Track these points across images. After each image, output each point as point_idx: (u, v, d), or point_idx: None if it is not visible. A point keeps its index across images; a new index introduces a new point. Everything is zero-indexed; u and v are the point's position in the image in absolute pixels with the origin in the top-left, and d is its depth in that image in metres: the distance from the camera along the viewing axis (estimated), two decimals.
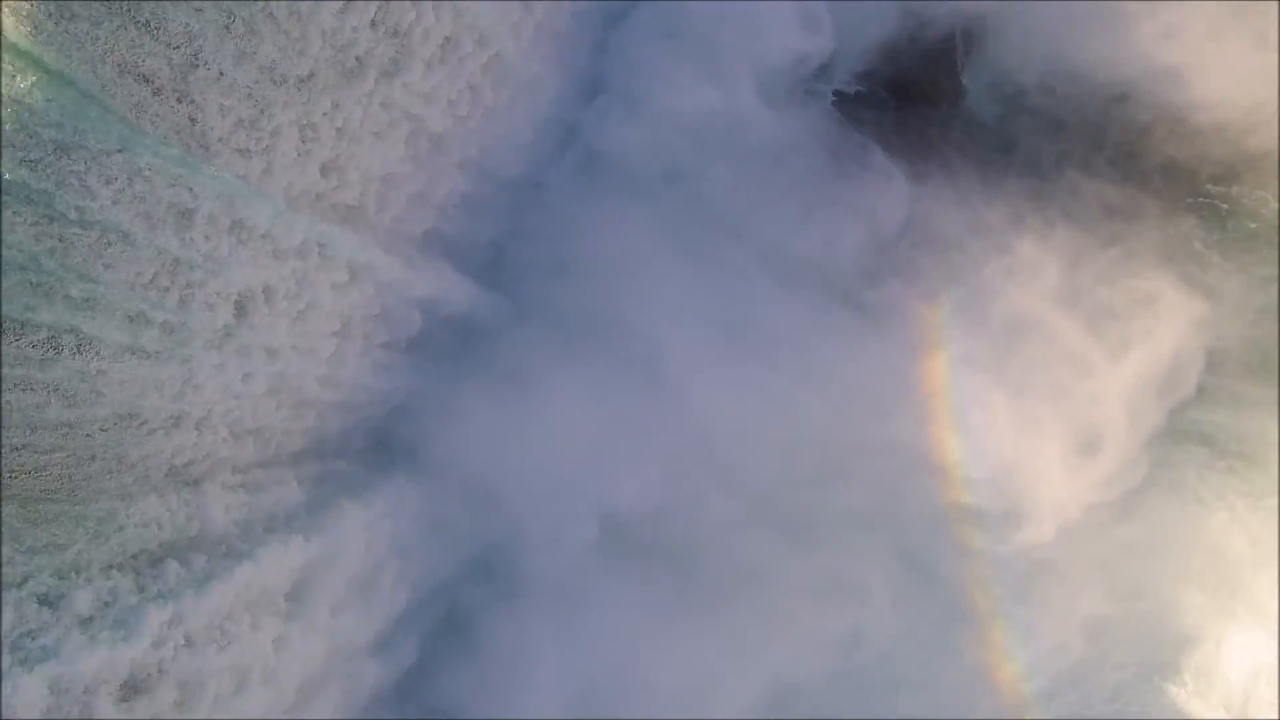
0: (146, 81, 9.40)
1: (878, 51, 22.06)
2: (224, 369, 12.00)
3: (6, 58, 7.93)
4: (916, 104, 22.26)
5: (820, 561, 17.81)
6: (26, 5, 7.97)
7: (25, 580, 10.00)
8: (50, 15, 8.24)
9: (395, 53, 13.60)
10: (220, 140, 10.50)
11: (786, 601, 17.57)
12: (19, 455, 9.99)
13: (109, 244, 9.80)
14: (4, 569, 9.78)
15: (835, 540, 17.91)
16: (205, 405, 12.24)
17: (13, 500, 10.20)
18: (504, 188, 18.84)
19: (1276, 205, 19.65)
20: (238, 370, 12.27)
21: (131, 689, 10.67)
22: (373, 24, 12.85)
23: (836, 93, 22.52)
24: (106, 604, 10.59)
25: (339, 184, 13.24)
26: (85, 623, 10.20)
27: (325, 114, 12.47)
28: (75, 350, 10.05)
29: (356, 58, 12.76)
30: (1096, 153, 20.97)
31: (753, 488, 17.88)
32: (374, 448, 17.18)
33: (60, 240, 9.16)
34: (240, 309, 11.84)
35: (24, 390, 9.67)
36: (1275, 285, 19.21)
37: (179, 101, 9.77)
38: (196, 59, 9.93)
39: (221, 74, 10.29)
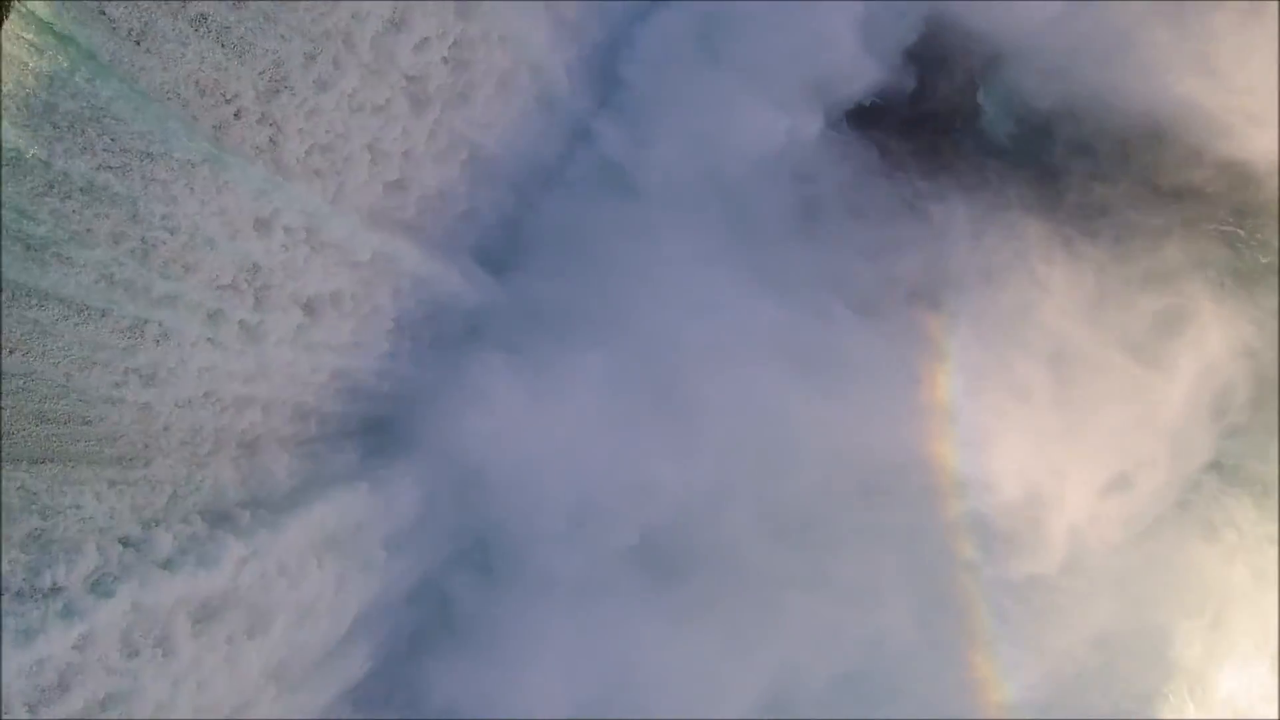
0: (229, 102, 8.38)
1: (893, 63, 18.09)
2: (294, 363, 11.10)
3: (85, 66, 6.90)
4: (930, 119, 18.46)
5: (828, 569, 15.02)
6: (107, 18, 6.91)
7: (107, 529, 9.15)
8: (132, 33, 7.19)
9: (462, 86, 12.61)
10: (298, 161, 9.48)
11: (795, 606, 14.82)
12: (92, 427, 9.05)
13: (193, 248, 8.86)
14: (86, 521, 8.95)
15: (843, 549, 15.14)
16: (274, 390, 11.31)
17: (93, 463, 9.28)
18: (541, 204, 17.13)
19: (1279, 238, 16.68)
20: (306, 364, 11.36)
21: (207, 613, 9.94)
22: (444, 60, 11.94)
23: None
24: (184, 549, 9.77)
25: (401, 202, 12.21)
26: (166, 562, 9.40)
27: (395, 139, 11.47)
28: (157, 340, 9.15)
29: (427, 90, 11.84)
30: (1116, 175, 17.35)
31: (770, 495, 14.93)
32: (411, 428, 15.38)
33: (142, 241, 8.18)
34: (310, 310, 10.93)
35: (103, 369, 8.71)
36: (1276, 317, 16.08)
37: (259, 123, 8.77)
38: (281, 84, 8.95)
39: (303, 100, 9.30)
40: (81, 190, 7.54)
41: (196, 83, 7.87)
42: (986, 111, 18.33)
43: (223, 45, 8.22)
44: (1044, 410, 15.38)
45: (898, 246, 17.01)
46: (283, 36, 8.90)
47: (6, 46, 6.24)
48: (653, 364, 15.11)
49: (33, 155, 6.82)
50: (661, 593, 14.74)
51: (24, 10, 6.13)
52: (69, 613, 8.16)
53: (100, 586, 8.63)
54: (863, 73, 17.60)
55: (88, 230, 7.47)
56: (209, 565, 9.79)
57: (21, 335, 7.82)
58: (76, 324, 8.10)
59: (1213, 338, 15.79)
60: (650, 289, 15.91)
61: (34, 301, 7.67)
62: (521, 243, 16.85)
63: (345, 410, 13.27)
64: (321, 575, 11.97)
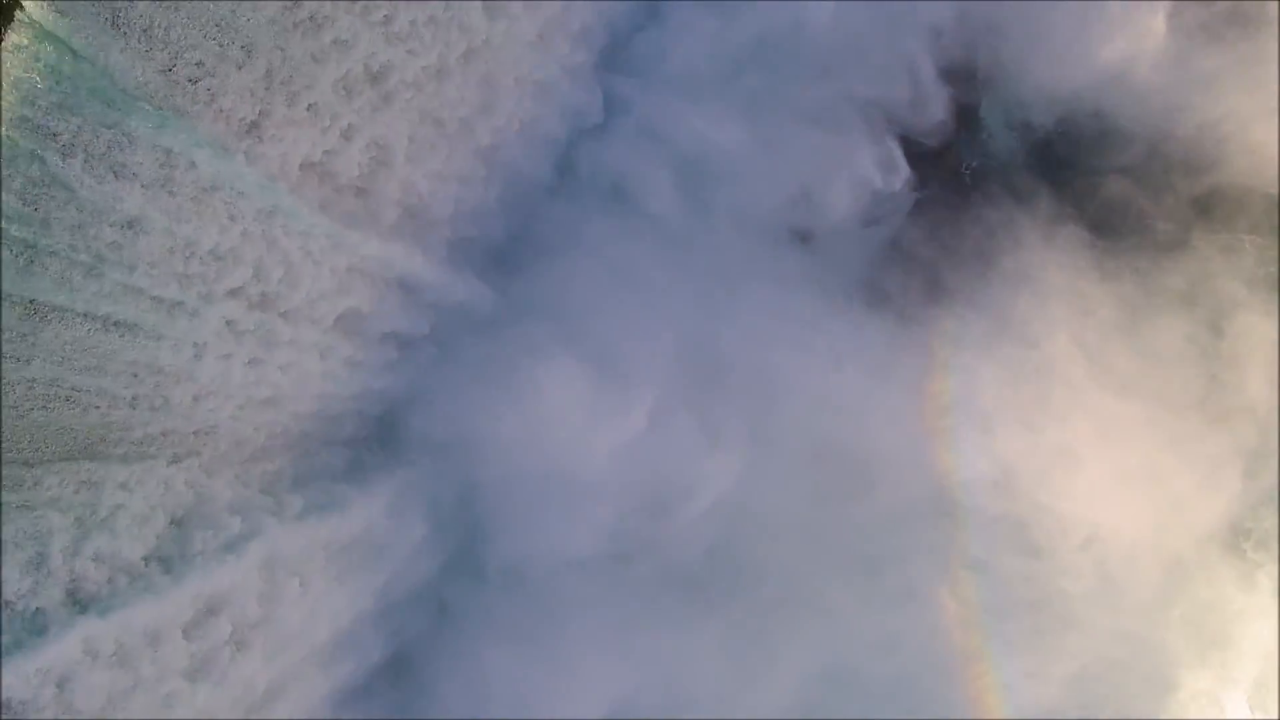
0: (329, 179, 7.50)
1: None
2: (386, 388, 10.31)
3: (208, 147, 5.98)
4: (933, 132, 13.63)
5: (863, 578, 11.74)
6: (218, 109, 5.97)
7: (240, 506, 8.56)
8: (244, 121, 6.26)
9: (529, 152, 11.61)
10: (390, 228, 8.55)
11: (834, 612, 11.59)
12: (221, 435, 8.40)
13: (310, 301, 8.02)
14: (225, 503, 8.40)
15: (882, 560, 11.78)
16: (371, 405, 10.55)
17: (229, 462, 8.67)
18: (581, 233, 13.62)
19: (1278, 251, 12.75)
20: (395, 386, 10.51)
21: (342, 554, 9.53)
22: (518, 132, 11.02)
23: None
24: (311, 508, 9.23)
25: (473, 251, 11.08)
26: (300, 514, 9.00)
27: (474, 201, 10.53)
28: (281, 369, 8.44)
29: (501, 159, 10.87)
30: (1147, 189, 13.28)
31: (827, 515, 11.62)
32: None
33: (263, 295, 7.39)
34: (402, 346, 10.13)
35: (225, 398, 8.00)
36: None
37: (357, 196, 7.90)
38: (382, 163, 8.09)
39: (400, 175, 8.42)
40: (210, 253, 6.70)
41: (300, 161, 6.99)
42: (987, 125, 13.98)
43: (338, 129, 7.42)
44: (1099, 432, 11.75)
45: (928, 254, 13.05)
46: (388, 123, 8.16)
47: (132, 124, 5.45)
48: (707, 378, 11.83)
49: (156, 221, 5.95)
50: (697, 602, 11.72)
51: (148, 108, 5.31)
52: (223, 554, 7.90)
53: (239, 545, 8.20)
54: (939, 102, 12.85)
55: (210, 292, 6.66)
56: (338, 512, 9.43)
57: (143, 372, 7.06)
58: (203, 363, 7.30)
59: (1258, 343, 12.11)
60: (706, 304, 12.43)
61: (168, 347, 6.89)
62: (558, 269, 13.23)
63: (409, 421, 11.53)
64: (423, 521, 11.24)
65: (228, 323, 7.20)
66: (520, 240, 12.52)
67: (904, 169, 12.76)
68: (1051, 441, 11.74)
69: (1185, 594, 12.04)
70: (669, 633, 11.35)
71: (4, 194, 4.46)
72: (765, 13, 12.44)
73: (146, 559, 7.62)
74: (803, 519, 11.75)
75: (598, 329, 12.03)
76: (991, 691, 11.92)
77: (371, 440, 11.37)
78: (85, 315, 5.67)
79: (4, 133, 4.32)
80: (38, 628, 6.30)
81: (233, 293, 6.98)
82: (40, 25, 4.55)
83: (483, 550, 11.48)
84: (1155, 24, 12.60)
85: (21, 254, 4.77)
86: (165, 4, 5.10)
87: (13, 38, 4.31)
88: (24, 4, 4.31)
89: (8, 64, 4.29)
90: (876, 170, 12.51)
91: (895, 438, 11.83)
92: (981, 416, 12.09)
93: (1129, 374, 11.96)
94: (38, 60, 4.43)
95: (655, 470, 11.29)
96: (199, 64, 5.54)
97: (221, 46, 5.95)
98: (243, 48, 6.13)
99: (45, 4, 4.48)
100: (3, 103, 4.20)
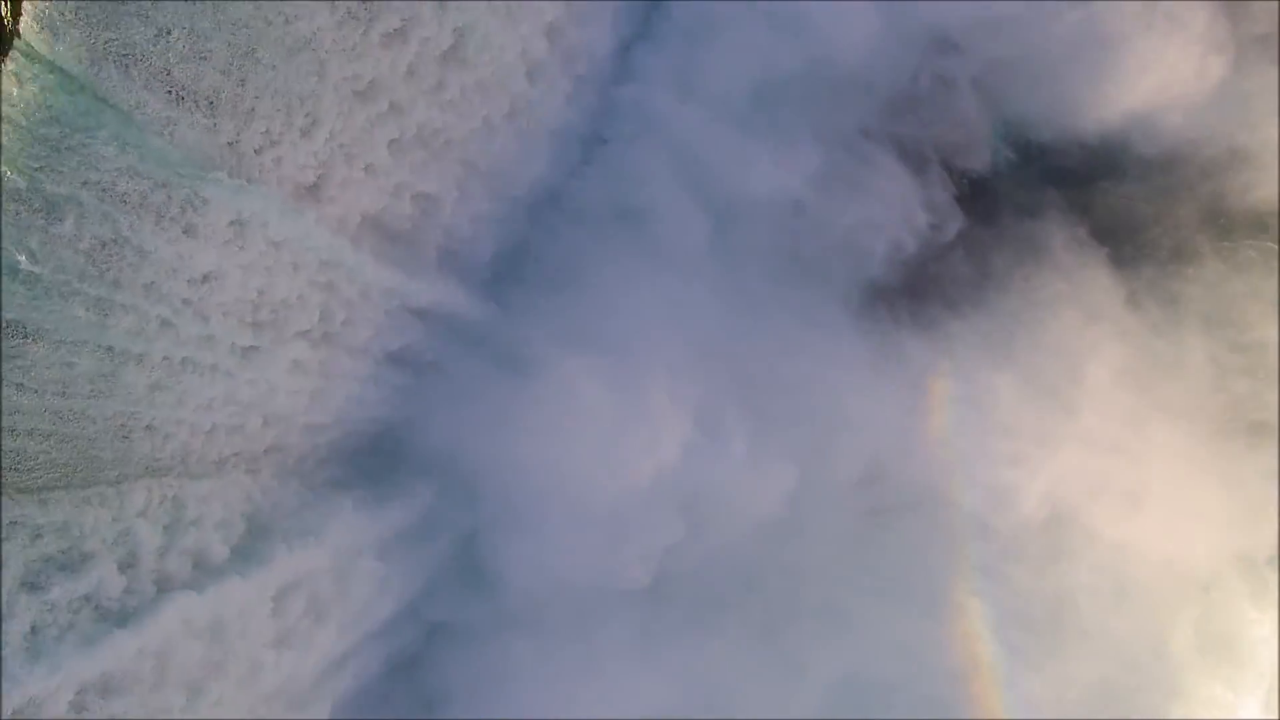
0: (381, 228, 7.27)
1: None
2: (425, 407, 9.91)
3: (278, 206, 5.78)
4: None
5: (885, 589, 10.53)
6: (280, 171, 5.75)
7: (306, 503, 8.57)
8: (303, 185, 6.01)
9: (555, 184, 10.85)
10: (437, 269, 8.34)
11: (857, 620, 10.47)
12: (277, 453, 8.23)
13: (369, 338, 7.90)
14: (289, 498, 8.32)
15: (908, 569, 10.63)
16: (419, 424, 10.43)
17: (294, 473, 8.58)
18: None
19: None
20: (427, 404, 9.87)
21: (394, 543, 9.37)
22: (549, 172, 10.59)
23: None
24: (370, 500, 9.21)
25: (510, 283, 10.61)
26: (357, 505, 8.86)
27: (514, 239, 10.27)
28: (342, 399, 8.37)
29: (533, 199, 10.56)
30: (1159, 202, 11.44)
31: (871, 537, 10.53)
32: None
33: (325, 336, 7.14)
34: (445, 371, 9.72)
35: (279, 420, 7.80)
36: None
37: (408, 243, 7.65)
38: (430, 211, 7.90)
39: (445, 222, 8.22)
40: (281, 302, 6.57)
41: (362, 214, 6.78)
42: (986, 138, 11.98)
43: (395, 184, 7.31)
44: (1127, 451, 10.22)
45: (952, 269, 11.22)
46: (437, 177, 8.03)
47: (204, 190, 5.35)
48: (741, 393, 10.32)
49: (230, 276, 5.78)
50: (725, 612, 10.58)
51: (221, 177, 5.10)
52: (303, 538, 7.87)
53: (317, 530, 8.17)
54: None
55: (280, 335, 6.48)
56: (398, 502, 9.40)
57: (220, 403, 6.90)
58: (275, 396, 7.22)
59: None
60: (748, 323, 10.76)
61: (243, 383, 6.72)
62: (588, 291, 11.31)
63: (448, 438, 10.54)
64: (469, 512, 10.69)
65: (295, 362, 7.01)
66: (549, 266, 11.16)
67: (959, 216, 10.94)
68: (1078, 459, 10.42)
69: (1198, 603, 10.64)
70: (697, 641, 10.28)
71: (72, 254, 4.30)
72: (801, 39, 10.75)
73: (230, 558, 7.62)
74: (833, 533, 10.59)
75: (631, 347, 10.27)
76: (1007, 698, 10.67)
77: (418, 451, 11.12)
78: (164, 359, 5.58)
79: (53, 190, 4.10)
80: (135, 622, 6.29)
81: (300, 334, 6.77)
82: (91, 88, 4.17)
83: (511, 574, 10.19)
84: (1212, 69, 10.77)
85: (92, 307, 4.60)
86: (233, 78, 4.99)
87: (64, 99, 3.99)
88: (21, 35, 3.86)
89: (62, 123, 4.03)
90: (926, 214, 10.81)
91: (916, 449, 10.61)
92: (1005, 431, 10.67)
93: (1157, 391, 10.47)
94: (101, 127, 4.16)
95: (697, 491, 9.88)
96: (265, 133, 5.42)
97: (289, 117, 5.86)
98: (307, 115, 6.04)
99: (99, 72, 4.20)
100: (9, 140, 3.88)
